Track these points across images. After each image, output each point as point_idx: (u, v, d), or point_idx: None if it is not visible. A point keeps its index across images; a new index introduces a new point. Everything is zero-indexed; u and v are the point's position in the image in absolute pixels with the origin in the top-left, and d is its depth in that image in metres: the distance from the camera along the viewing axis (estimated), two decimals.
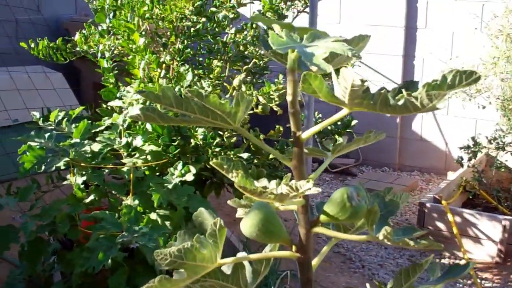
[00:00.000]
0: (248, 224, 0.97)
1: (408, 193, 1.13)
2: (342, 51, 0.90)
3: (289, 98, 1.03)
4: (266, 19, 1.21)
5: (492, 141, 4.51)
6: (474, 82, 0.90)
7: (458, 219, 4.16)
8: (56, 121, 3.13)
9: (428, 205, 4.21)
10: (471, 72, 0.87)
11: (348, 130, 3.42)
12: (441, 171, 5.79)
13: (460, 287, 3.71)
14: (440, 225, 4.20)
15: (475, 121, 5.58)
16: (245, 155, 3.43)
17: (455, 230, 4.05)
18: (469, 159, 4.56)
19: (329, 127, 3.43)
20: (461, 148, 4.57)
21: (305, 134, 1.07)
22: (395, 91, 1.00)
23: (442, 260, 4.06)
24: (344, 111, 1.03)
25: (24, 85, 4.79)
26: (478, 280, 3.78)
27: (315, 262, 1.11)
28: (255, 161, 3.60)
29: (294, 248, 1.04)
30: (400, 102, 0.93)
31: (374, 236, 1.02)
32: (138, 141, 3.10)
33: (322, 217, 1.04)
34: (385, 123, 6.00)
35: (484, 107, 4.77)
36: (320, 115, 3.64)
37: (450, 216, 4.10)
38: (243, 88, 3.32)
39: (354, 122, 3.42)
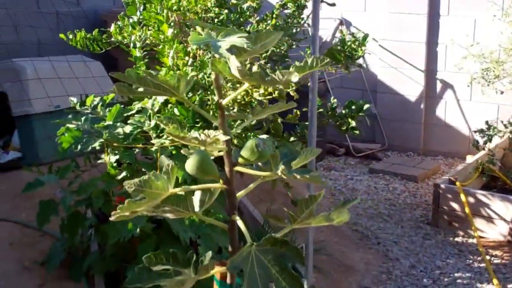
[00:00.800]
0: (190, 164, 1.27)
1: (317, 149, 1.38)
2: (241, 44, 1.21)
3: (213, 76, 1.36)
4: (202, 23, 1.57)
5: (508, 125, 4.68)
6: (326, 65, 1.31)
7: (472, 200, 4.36)
8: (92, 105, 3.45)
9: (442, 186, 4.42)
10: (323, 58, 1.19)
11: (360, 114, 3.64)
12: (464, 156, 5.96)
13: (470, 263, 3.92)
14: (454, 205, 4.41)
15: (497, 106, 5.73)
16: (264, 137, 3.69)
17: (467, 210, 4.26)
18: (485, 143, 4.75)
19: (343, 111, 3.66)
20: (475, 131, 4.76)
21: (224, 101, 1.39)
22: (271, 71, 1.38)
23: (456, 239, 4.27)
24: (245, 85, 1.35)
25: (65, 73, 5.12)
26: (488, 257, 3.98)
27: (239, 193, 1.39)
28: (275, 143, 3.87)
29: (221, 181, 1.32)
30: (268, 78, 1.25)
31: (275, 173, 1.31)
32: None
33: (240, 160, 1.34)
34: (409, 110, 6.20)
35: (502, 92, 4.94)
36: (336, 100, 3.88)
37: (463, 197, 4.30)
38: None
39: (366, 106, 3.63)
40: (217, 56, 1.26)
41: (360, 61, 6.29)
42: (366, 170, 5.71)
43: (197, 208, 1.23)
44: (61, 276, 3.56)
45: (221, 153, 1.33)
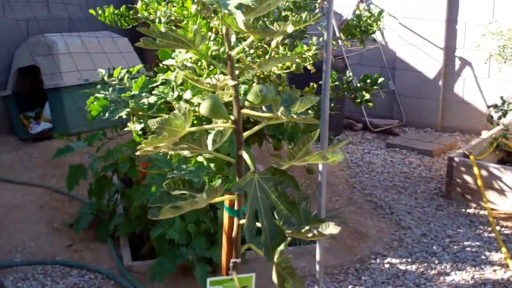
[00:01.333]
0: (204, 107, 1.43)
1: (315, 97, 1.53)
2: (247, 2, 1.36)
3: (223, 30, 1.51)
4: None
5: None
6: (317, 20, 1.50)
7: (484, 173, 4.47)
8: (119, 77, 3.62)
9: (456, 159, 4.53)
10: (316, 14, 1.35)
11: (375, 87, 3.76)
12: (480, 132, 6.04)
13: (480, 233, 4.04)
14: (467, 178, 4.52)
15: None
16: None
17: (479, 182, 4.37)
18: (499, 118, 4.84)
19: (358, 84, 3.79)
20: (489, 107, 4.85)
21: (233, 52, 1.55)
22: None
23: (467, 210, 4.38)
24: (250, 38, 1.52)
25: (93, 49, 5.31)
26: (498, 228, 4.09)
27: (245, 133, 1.54)
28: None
29: (230, 121, 1.47)
30: (267, 30, 1.41)
31: (276, 114, 1.45)
32: (187, 95, 3.54)
33: (246, 103, 1.49)
34: (428, 87, 6.29)
35: None
36: (351, 74, 4.01)
37: (476, 170, 4.41)
38: (281, 49, 3.72)
39: (380, 80, 3.75)
40: (226, 12, 1.42)
41: (379, 38, 6.43)
42: (383, 145, 5.83)
43: (210, 147, 1.38)
44: (88, 237, 3.77)
45: (231, 98, 1.48)
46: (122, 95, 3.48)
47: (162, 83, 3.72)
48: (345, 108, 6.15)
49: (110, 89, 3.54)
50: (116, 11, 4.19)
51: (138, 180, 3.60)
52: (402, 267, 3.56)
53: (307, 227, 1.19)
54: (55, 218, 4.01)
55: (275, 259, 1.24)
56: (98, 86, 3.53)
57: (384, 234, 3.98)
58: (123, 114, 3.53)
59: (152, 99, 3.56)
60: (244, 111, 1.42)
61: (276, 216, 1.13)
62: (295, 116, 1.38)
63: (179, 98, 3.59)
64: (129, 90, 3.55)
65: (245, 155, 1.32)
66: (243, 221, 1.23)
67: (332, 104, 3.93)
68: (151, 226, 3.41)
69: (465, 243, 3.87)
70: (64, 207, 4.17)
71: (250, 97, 1.43)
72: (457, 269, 3.55)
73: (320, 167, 3.05)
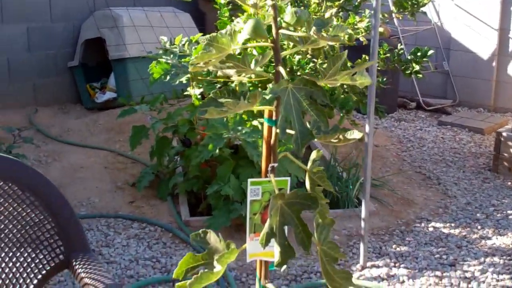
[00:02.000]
0: (246, 28, 1.54)
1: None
2: None
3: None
4: None
5: None
6: None
7: None
8: (180, 44, 3.82)
9: (504, 134, 4.58)
10: None
11: (424, 59, 3.85)
12: None
13: None
14: None
15: None
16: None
17: None
18: None
19: (408, 57, 3.88)
20: None
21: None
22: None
23: (509, 183, 4.43)
24: None
25: (157, 23, 5.54)
26: None
27: (284, 52, 1.64)
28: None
29: (269, 41, 1.58)
30: None
31: (309, 33, 1.53)
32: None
33: (284, 24, 1.58)
34: (481, 67, 6.30)
35: None
36: (402, 46, 4.11)
37: None
38: (334, 21, 3.84)
39: (430, 52, 3.84)
40: None
41: (435, 19, 6.45)
42: (435, 123, 5.89)
43: (252, 66, 1.52)
44: (149, 195, 3.99)
45: (270, 20, 1.61)
46: (182, 60, 3.67)
47: None
48: (399, 88, 6.23)
49: (171, 55, 3.74)
50: None
51: (197, 142, 3.80)
52: (446, 230, 3.66)
53: (333, 133, 1.32)
54: (118, 178, 4.25)
55: (308, 167, 1.39)
56: (160, 51, 3.73)
57: (430, 201, 4.08)
58: (184, 79, 3.72)
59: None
60: (282, 31, 1.55)
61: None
62: (325, 35, 1.49)
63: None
64: (190, 56, 3.73)
65: (282, 70, 1.46)
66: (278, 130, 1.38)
67: (385, 79, 4.05)
68: (208, 184, 3.60)
69: (509, 211, 3.93)
70: (127, 169, 4.41)
71: (286, 17, 1.55)
72: (499, 234, 3.62)
73: (367, 128, 3.18)
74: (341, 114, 3.93)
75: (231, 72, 1.46)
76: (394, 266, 3.27)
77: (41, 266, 1.89)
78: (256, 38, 1.50)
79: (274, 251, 1.30)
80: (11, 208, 1.86)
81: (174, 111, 3.81)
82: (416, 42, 6.58)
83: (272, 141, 1.40)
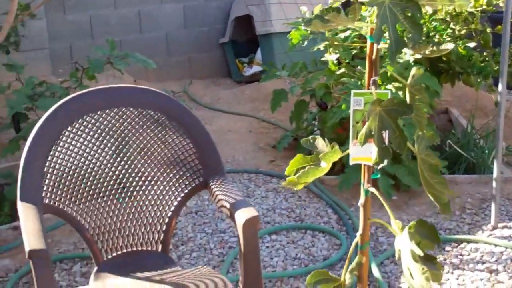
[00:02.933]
0: None
1: None
2: None
3: None
4: None
5: None
6: None
7: None
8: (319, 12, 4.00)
9: None
10: None
11: None
12: None
13: None
14: None
15: None
16: (471, 45, 3.96)
17: None
18: None
19: None
20: None
21: None
22: None
23: None
24: None
25: (301, 1, 5.75)
26: None
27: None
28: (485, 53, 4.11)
29: None
30: None
31: None
32: None
33: None
34: None
35: None
36: None
37: None
38: None
39: None
40: None
41: None
42: None
43: None
44: (288, 155, 4.22)
45: None
46: None
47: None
48: None
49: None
50: None
51: (333, 105, 3.97)
52: None
53: (426, 44, 1.43)
54: (260, 140, 4.54)
55: (408, 82, 1.52)
56: (300, 20, 3.94)
57: None
58: (321, 46, 3.90)
59: (347, 33, 3.90)
60: None
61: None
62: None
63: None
64: None
65: None
66: (380, 45, 1.52)
67: None
68: (342, 145, 3.76)
69: None
70: (269, 133, 4.69)
71: None
72: None
73: (500, 87, 3.19)
74: (478, 80, 3.92)
75: None
76: None
77: (184, 186, 2.17)
78: None
79: (372, 156, 1.46)
80: (160, 134, 2.15)
81: (312, 76, 4.01)
82: None
83: (373, 56, 1.55)
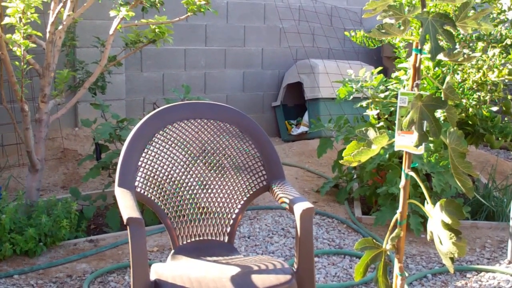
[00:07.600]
0: None
1: None
2: None
3: None
4: None
5: None
6: None
7: None
8: (364, 75, 4.29)
9: None
10: None
11: None
12: None
13: None
14: None
15: None
16: (494, 109, 4.17)
17: None
18: None
19: None
20: None
21: None
22: None
23: None
24: None
25: (345, 72, 6.06)
26: None
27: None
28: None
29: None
30: None
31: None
32: None
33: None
34: None
35: None
36: None
37: None
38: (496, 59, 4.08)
39: None
40: None
41: None
42: None
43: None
44: (329, 199, 4.43)
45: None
46: (363, 86, 4.14)
47: (395, 82, 4.31)
48: None
49: (354, 83, 4.23)
50: (365, 34, 4.89)
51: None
52: None
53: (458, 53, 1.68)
54: (305, 186, 4.76)
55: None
56: (346, 79, 4.24)
57: None
58: (364, 103, 4.18)
59: (387, 92, 4.17)
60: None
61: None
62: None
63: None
64: (370, 83, 4.19)
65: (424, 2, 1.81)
66: (421, 56, 1.76)
67: None
68: (378, 187, 3.97)
69: None
70: (313, 181, 4.91)
71: None
72: None
73: None
74: (499, 138, 4.12)
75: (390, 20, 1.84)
76: None
77: (250, 188, 2.42)
78: None
79: (414, 146, 1.70)
80: (233, 143, 2.42)
81: (354, 127, 4.26)
82: None
83: (417, 64, 1.80)
